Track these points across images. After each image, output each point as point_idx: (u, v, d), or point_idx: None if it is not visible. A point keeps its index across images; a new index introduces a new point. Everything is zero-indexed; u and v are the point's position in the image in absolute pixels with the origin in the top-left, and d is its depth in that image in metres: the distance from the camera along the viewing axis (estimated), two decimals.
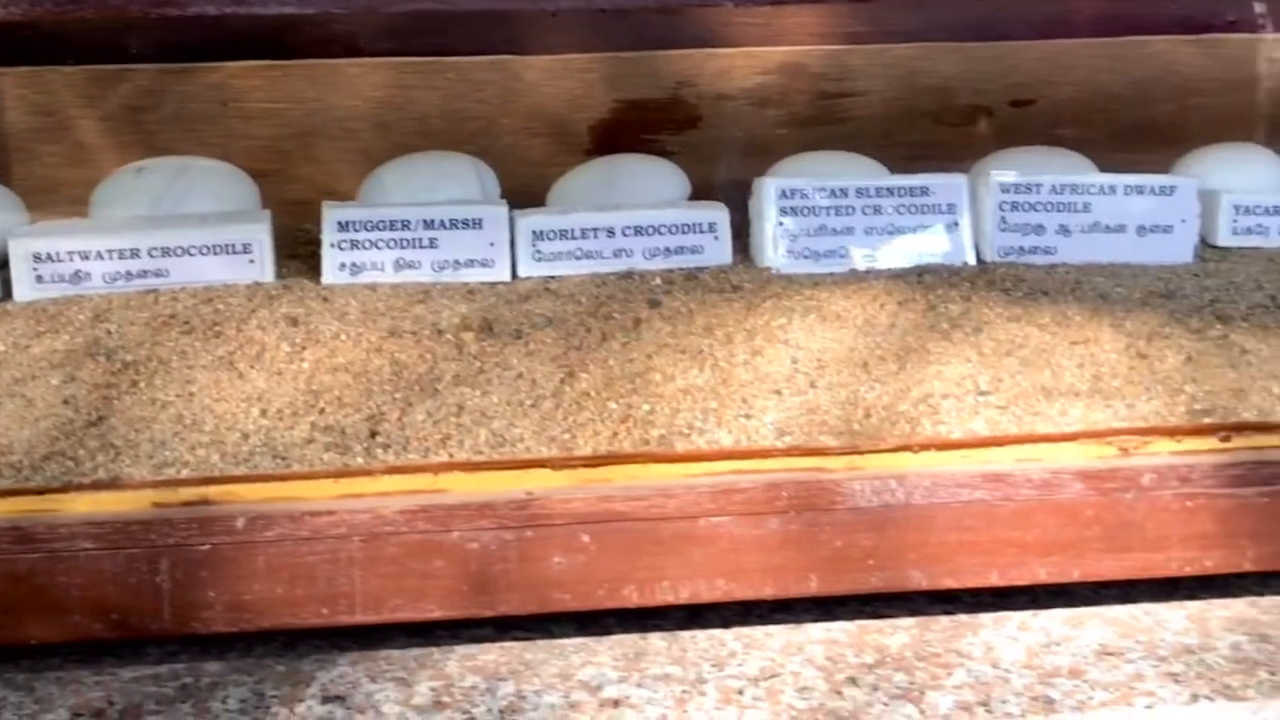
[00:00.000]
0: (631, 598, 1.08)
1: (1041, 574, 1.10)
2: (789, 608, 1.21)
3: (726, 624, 1.19)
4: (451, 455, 1.10)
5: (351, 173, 1.58)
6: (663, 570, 1.08)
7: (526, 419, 1.14)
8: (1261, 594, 1.24)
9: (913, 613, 1.21)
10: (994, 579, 1.10)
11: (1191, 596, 1.23)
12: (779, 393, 1.16)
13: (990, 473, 1.09)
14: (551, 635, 1.18)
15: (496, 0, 1.49)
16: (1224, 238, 1.44)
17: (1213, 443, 1.13)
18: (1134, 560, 1.10)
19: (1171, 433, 1.12)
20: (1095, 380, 1.17)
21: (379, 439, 1.12)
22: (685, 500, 1.07)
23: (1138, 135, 1.70)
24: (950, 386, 1.16)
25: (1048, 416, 1.14)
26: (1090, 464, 1.10)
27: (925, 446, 1.11)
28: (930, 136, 1.71)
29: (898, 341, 1.21)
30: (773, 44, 1.69)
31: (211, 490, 1.07)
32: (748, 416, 1.14)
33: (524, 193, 1.52)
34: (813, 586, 1.09)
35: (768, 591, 1.09)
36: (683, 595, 1.08)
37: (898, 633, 1.17)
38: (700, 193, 1.52)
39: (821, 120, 1.71)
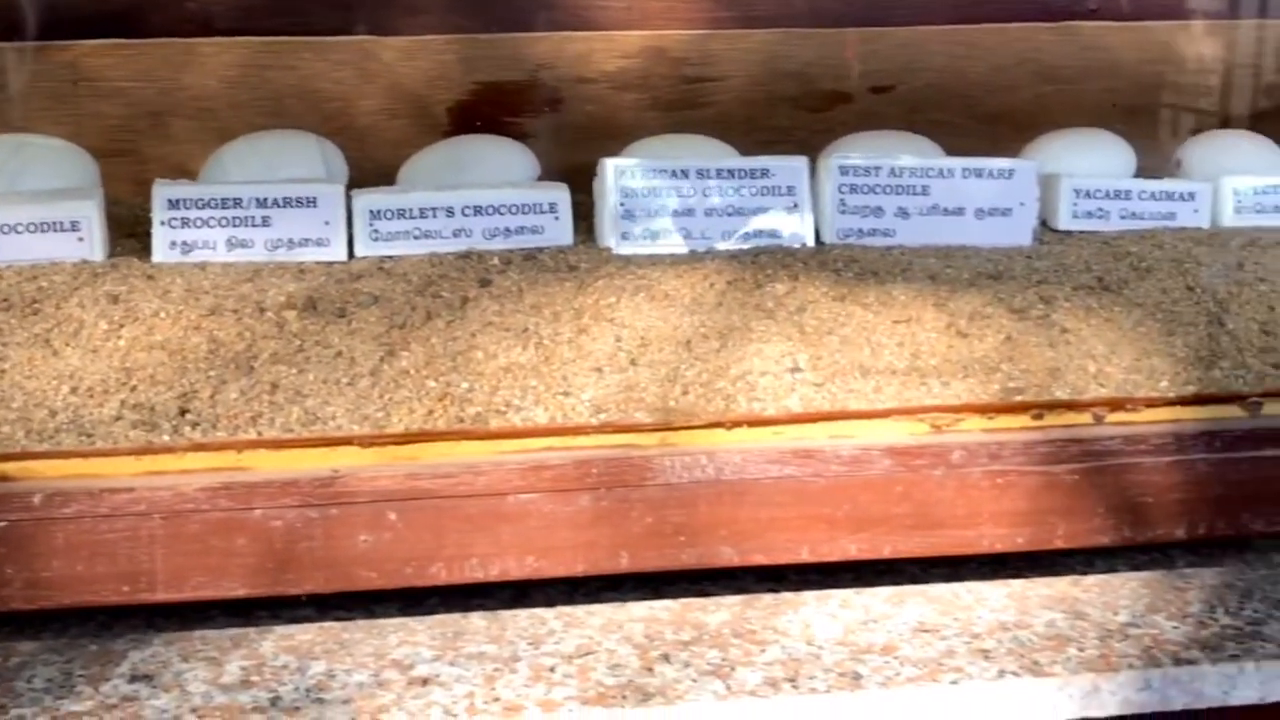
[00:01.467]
0: (440, 575, 1.07)
1: (853, 550, 1.11)
2: (617, 585, 1.21)
3: (552, 602, 1.19)
4: (260, 433, 1.09)
5: (205, 152, 1.55)
6: (471, 547, 1.07)
7: (341, 397, 1.13)
8: (1086, 572, 1.26)
9: (740, 590, 1.22)
10: (805, 555, 1.11)
11: (1017, 574, 1.25)
12: (600, 370, 1.16)
13: (800, 449, 1.09)
14: (374, 615, 1.17)
15: None
16: (1064, 221, 1.45)
17: (1025, 420, 1.14)
18: (945, 537, 1.11)
19: (983, 410, 1.13)
20: (913, 359, 1.18)
21: (189, 416, 1.10)
22: (494, 477, 1.07)
23: (996, 120, 1.71)
24: (769, 364, 1.16)
25: (862, 394, 1.14)
26: (900, 440, 1.10)
27: (738, 423, 1.11)
28: (792, 121, 1.71)
29: (723, 320, 1.21)
30: (634, 28, 1.69)
31: (9, 467, 1.05)
32: (566, 394, 1.14)
33: (382, 173, 1.52)
34: (624, 563, 1.09)
35: (579, 568, 1.09)
36: (492, 572, 1.08)
37: (720, 610, 1.17)
38: (561, 175, 1.51)
39: (683, 104, 1.71)
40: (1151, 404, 1.15)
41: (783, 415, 1.12)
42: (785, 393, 1.14)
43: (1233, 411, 1.15)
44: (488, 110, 1.67)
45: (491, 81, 1.67)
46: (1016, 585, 1.22)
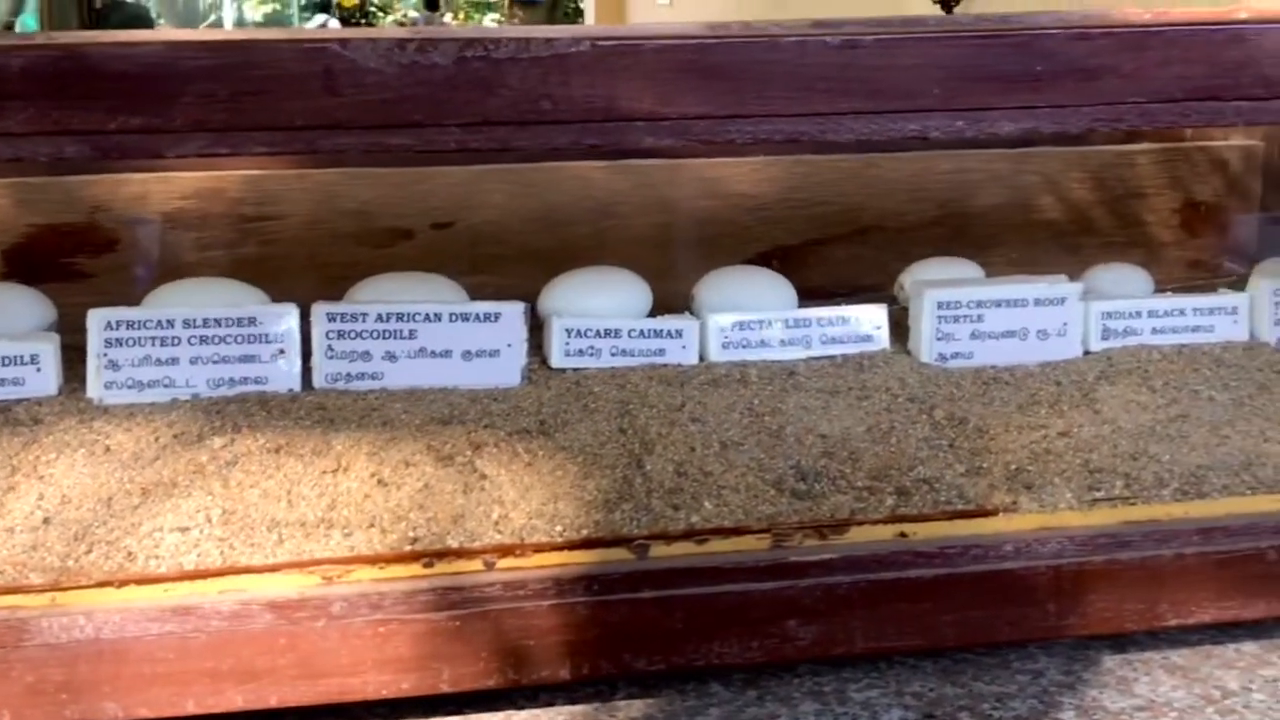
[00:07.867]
0: None
1: (239, 700, 1.15)
2: None
3: None
4: None
5: None
6: None
7: None
8: (526, 706, 1.30)
9: None
10: (190, 707, 1.14)
11: (459, 710, 1.29)
12: (11, 531, 1.19)
13: (180, 606, 1.13)
14: None
15: None
16: (558, 359, 1.52)
17: (416, 569, 1.19)
18: (330, 685, 1.16)
19: (374, 560, 1.18)
20: (329, 510, 1.22)
21: None
22: None
23: (554, 256, 1.78)
24: (182, 520, 1.20)
25: (263, 548, 1.19)
26: (280, 594, 1.15)
27: (128, 582, 1.15)
28: (353, 257, 1.77)
29: (153, 475, 1.25)
30: (190, 169, 1.74)
31: None
32: None
33: None
34: None
35: None
36: None
37: None
38: None
39: (244, 243, 1.76)
40: (540, 549, 1.21)
41: (174, 573, 1.16)
42: (187, 549, 1.18)
43: (621, 554, 1.22)
44: (43, 254, 1.71)
45: (47, 224, 1.71)
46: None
